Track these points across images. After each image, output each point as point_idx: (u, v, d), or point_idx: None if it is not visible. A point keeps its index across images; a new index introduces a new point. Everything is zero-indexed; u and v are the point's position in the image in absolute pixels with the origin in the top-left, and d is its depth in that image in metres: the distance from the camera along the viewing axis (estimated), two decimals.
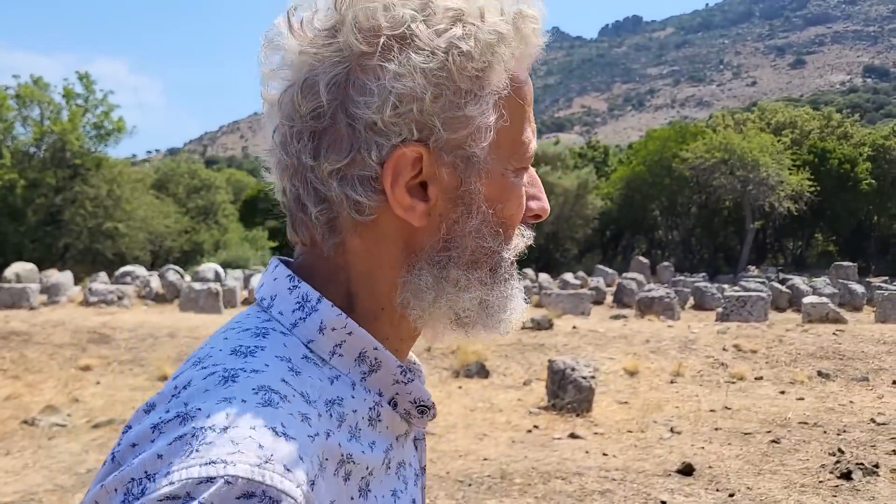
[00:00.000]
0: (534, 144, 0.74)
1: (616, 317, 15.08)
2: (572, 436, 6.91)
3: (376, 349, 0.70)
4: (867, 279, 24.81)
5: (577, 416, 7.62)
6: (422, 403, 0.73)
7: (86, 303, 15.30)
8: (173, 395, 0.60)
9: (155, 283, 18.40)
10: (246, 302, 17.35)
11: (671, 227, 36.97)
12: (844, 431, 6.95)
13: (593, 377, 8.08)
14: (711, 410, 7.91)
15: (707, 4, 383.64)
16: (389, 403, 0.71)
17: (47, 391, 8.87)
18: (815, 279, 22.01)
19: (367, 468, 0.67)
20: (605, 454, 6.30)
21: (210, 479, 0.51)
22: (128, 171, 30.79)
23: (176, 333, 11.02)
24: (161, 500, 0.51)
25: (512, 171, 0.72)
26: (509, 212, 0.72)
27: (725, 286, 20.93)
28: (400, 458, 0.74)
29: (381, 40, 0.65)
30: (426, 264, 0.70)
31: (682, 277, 24.24)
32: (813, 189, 30.66)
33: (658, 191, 34.38)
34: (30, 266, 18.95)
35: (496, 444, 6.62)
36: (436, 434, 6.80)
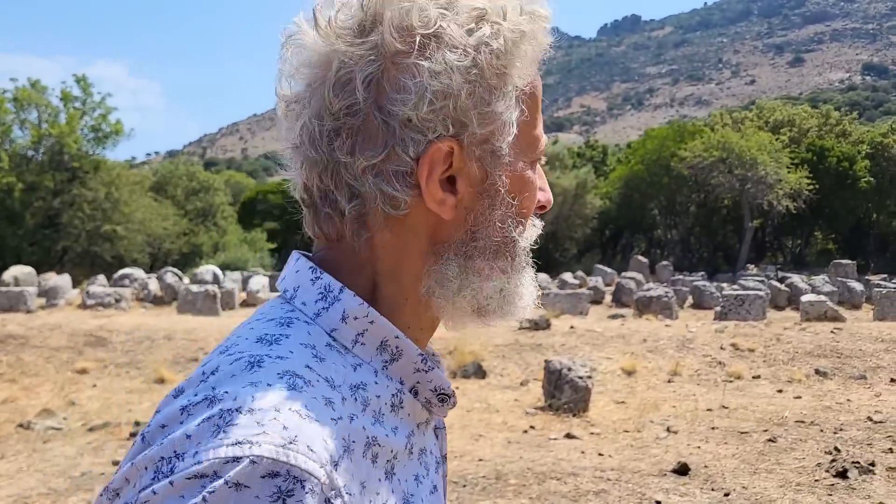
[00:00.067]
0: (544, 138, 0.78)
1: (614, 316, 15.07)
2: (568, 436, 6.89)
3: (398, 338, 0.71)
4: (866, 277, 24.79)
5: (574, 416, 7.60)
6: (442, 391, 0.75)
7: (83, 306, 15.30)
8: (202, 380, 0.62)
9: (153, 285, 18.40)
10: (244, 304, 17.34)
11: (670, 226, 36.97)
12: (841, 430, 6.94)
13: (590, 377, 8.07)
14: (708, 410, 7.90)
15: (705, 3, 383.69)
16: (410, 392, 0.73)
17: (43, 394, 8.86)
18: (813, 277, 22.00)
19: (392, 451, 0.68)
20: (600, 454, 6.29)
21: (236, 459, 0.53)
22: (126, 174, 30.75)
23: (173, 336, 11.00)
24: (189, 478, 0.53)
25: (528, 164, 0.75)
26: (527, 203, 0.76)
27: (724, 285, 20.92)
28: (421, 444, 0.76)
29: (417, 39, 0.67)
30: (453, 255, 0.72)
31: (680, 276, 24.23)
32: (811, 187, 30.65)
33: (657, 190, 34.38)
34: (28, 269, 18.95)
35: (492, 445, 6.61)
36: None
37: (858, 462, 5.73)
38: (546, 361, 8.37)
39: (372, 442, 0.65)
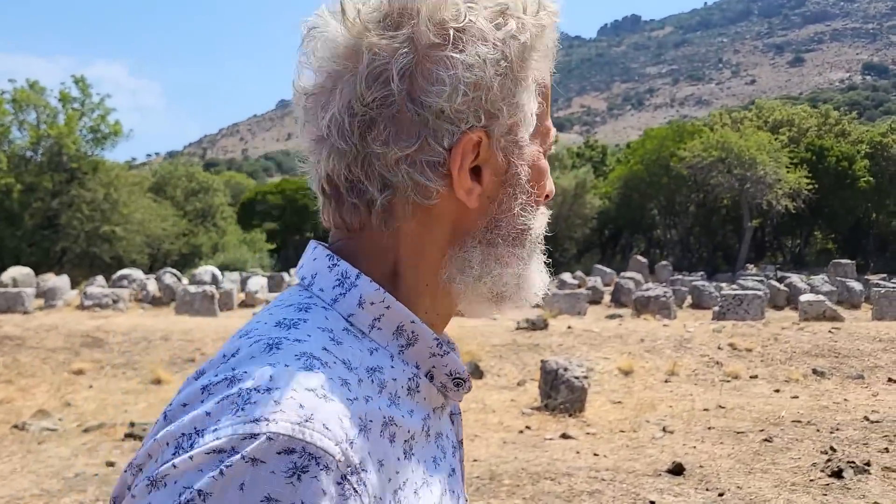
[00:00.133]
0: (553, 129, 0.81)
1: (612, 316, 15.05)
2: (564, 436, 6.88)
3: (413, 322, 0.73)
4: (865, 276, 24.75)
5: (570, 416, 7.59)
6: (458, 375, 0.76)
7: (81, 307, 15.29)
8: (222, 362, 0.64)
9: (152, 286, 18.40)
10: (243, 304, 17.33)
11: (669, 226, 36.95)
12: (837, 430, 6.92)
13: (586, 377, 8.05)
14: (705, 409, 7.88)
15: (705, 3, 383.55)
16: (426, 376, 0.74)
17: (40, 395, 8.85)
18: (813, 277, 21.98)
19: (409, 432, 0.69)
20: (595, 454, 6.28)
21: (254, 436, 0.55)
22: (125, 175, 30.74)
23: (169, 336, 10.99)
24: (208, 453, 0.55)
25: (541, 154, 0.79)
26: (541, 191, 0.79)
27: (723, 285, 20.90)
28: (437, 428, 0.77)
29: (451, 33, 0.69)
30: (476, 243, 0.75)
31: (680, 276, 24.21)
32: (811, 187, 30.62)
33: (656, 190, 34.36)
34: (26, 270, 18.94)
35: (487, 445, 6.59)
36: None
37: (854, 462, 5.72)
38: (542, 361, 8.35)
39: (389, 422, 0.66)
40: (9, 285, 17.05)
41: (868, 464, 5.71)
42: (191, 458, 0.56)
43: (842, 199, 32.90)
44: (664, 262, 27.79)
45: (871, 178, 33.38)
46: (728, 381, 9.27)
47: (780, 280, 21.81)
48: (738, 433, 6.88)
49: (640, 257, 27.52)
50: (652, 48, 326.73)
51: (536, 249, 0.80)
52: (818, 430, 6.92)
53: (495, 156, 0.73)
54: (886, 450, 6.21)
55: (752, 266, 31.81)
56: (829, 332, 11.10)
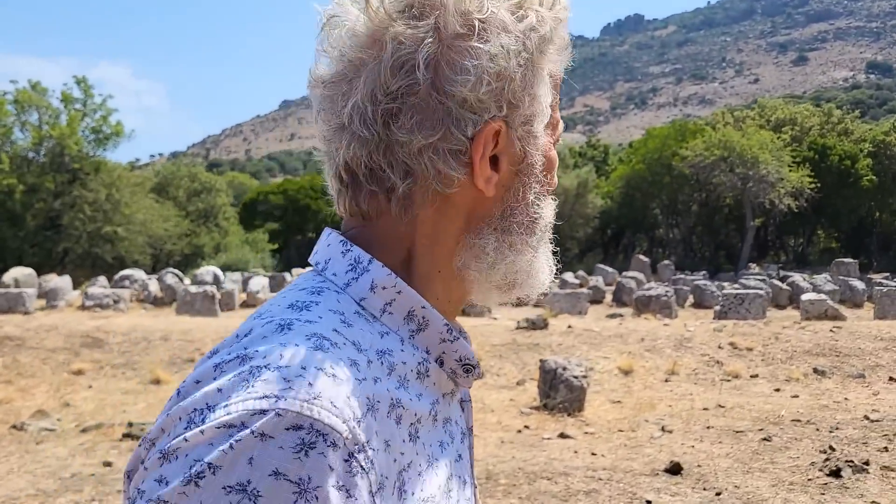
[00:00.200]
0: (561, 122, 0.84)
1: (612, 315, 15.03)
2: (562, 436, 6.86)
3: (424, 308, 0.74)
4: (869, 275, 24.70)
5: (569, 415, 7.57)
6: (467, 361, 0.77)
7: (83, 307, 15.30)
8: (235, 342, 0.66)
9: (153, 286, 18.40)
10: (244, 304, 17.32)
11: (672, 225, 36.90)
12: (837, 429, 6.89)
13: (585, 377, 8.03)
14: (704, 409, 7.86)
15: (709, 2, 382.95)
16: (436, 361, 0.75)
17: (39, 396, 8.85)
18: (815, 276, 21.91)
19: (416, 415, 0.70)
20: (593, 454, 6.26)
21: (263, 412, 0.57)
22: (127, 175, 30.77)
23: (169, 337, 10.99)
24: (219, 427, 0.57)
25: (552, 144, 0.81)
26: (552, 180, 0.81)
27: (725, 284, 20.85)
28: (446, 414, 0.78)
29: (476, 23, 0.70)
30: (492, 230, 0.76)
31: (682, 276, 24.17)
32: (813, 186, 30.56)
33: (658, 189, 34.33)
34: (28, 271, 18.95)
35: (485, 445, 6.58)
36: None
37: (853, 461, 5.69)
38: (541, 361, 8.33)
39: (396, 404, 0.67)
40: (10, 286, 17.07)
41: (867, 463, 5.69)
42: (202, 432, 0.57)
43: (845, 197, 32.82)
44: (666, 262, 27.74)
45: (874, 177, 33.29)
46: (728, 381, 9.24)
47: (783, 279, 21.76)
48: (738, 432, 6.85)
49: (642, 257, 27.49)
50: (655, 47, 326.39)
51: (545, 238, 0.82)
52: (818, 430, 6.89)
53: (513, 145, 0.75)
54: (886, 449, 6.18)
55: (754, 265, 31.75)
56: (831, 331, 11.06)
